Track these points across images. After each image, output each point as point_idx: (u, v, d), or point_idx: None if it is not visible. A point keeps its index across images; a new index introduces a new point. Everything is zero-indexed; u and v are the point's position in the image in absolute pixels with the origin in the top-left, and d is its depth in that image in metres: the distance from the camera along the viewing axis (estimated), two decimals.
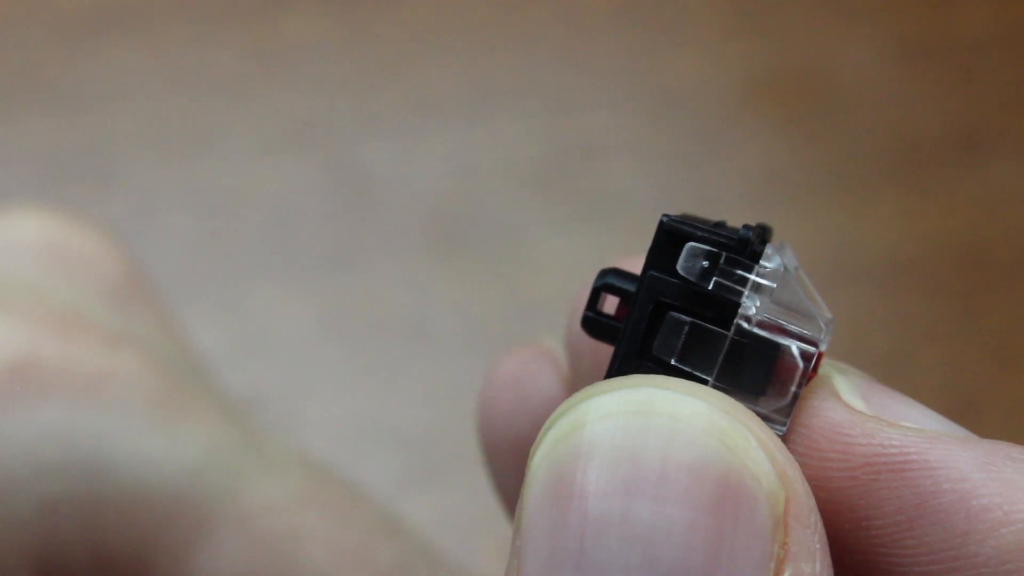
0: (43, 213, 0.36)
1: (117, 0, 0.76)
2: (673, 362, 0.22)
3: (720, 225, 0.22)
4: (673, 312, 0.22)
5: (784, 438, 0.22)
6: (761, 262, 0.22)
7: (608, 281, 0.23)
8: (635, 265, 0.23)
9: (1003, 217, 0.73)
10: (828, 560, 0.19)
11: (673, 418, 0.19)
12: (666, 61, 0.77)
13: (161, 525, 0.30)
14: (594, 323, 0.23)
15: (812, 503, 0.19)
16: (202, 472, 0.30)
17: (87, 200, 0.70)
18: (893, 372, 0.68)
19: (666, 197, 0.71)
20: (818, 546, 0.19)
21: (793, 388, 0.22)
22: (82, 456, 0.29)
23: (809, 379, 0.22)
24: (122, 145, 0.72)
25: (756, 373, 0.21)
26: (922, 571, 0.20)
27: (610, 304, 0.24)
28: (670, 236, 0.22)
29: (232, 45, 0.76)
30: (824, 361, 0.23)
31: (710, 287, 0.22)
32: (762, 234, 0.22)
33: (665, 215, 0.22)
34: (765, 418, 0.21)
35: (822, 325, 0.22)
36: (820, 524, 0.19)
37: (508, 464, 0.28)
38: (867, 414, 0.21)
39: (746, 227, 0.22)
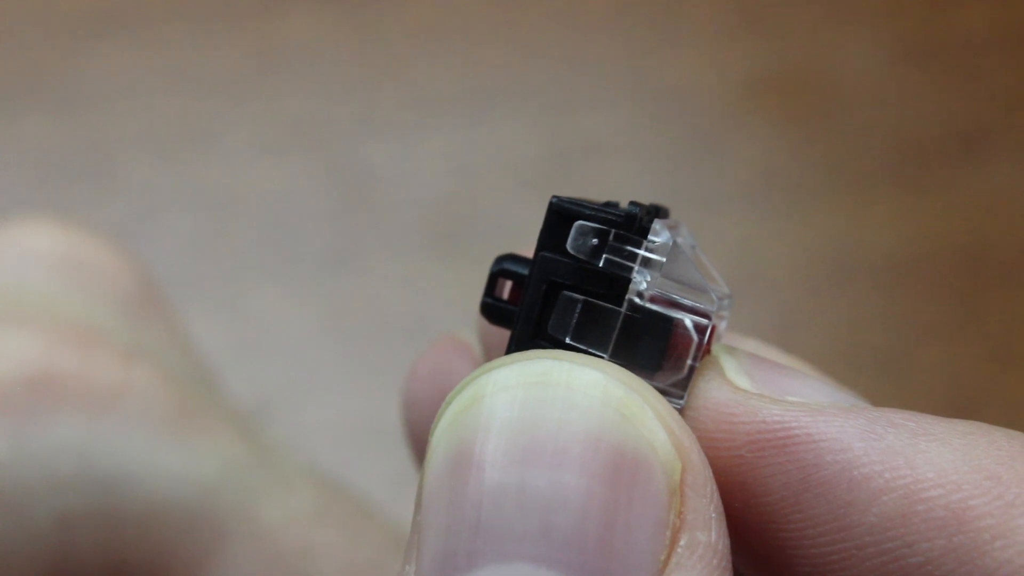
0: (54, 223, 0.35)
1: (117, 0, 0.76)
2: (568, 340, 0.22)
3: (611, 205, 0.22)
4: (566, 291, 0.22)
5: (682, 411, 0.21)
6: (650, 237, 0.22)
7: (504, 267, 0.23)
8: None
9: (1003, 217, 0.73)
10: (724, 529, 0.19)
11: (570, 388, 0.19)
12: (666, 61, 0.77)
13: (176, 540, 0.30)
14: (492, 309, 0.23)
15: (709, 473, 0.19)
16: (217, 488, 0.30)
17: (87, 200, 0.70)
18: (893, 372, 0.68)
19: (666, 197, 0.71)
20: (714, 515, 0.19)
21: (689, 361, 0.21)
22: (98, 470, 0.29)
23: (704, 355, 0.22)
24: (122, 145, 0.72)
25: (651, 348, 0.22)
26: (811, 544, 0.20)
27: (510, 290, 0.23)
28: (560, 217, 0.22)
29: (232, 45, 0.75)
30: (715, 343, 0.22)
31: (601, 264, 0.22)
32: (652, 211, 0.22)
33: (555, 196, 0.22)
34: (663, 392, 0.21)
35: (715, 298, 0.22)
36: (717, 494, 0.19)
37: None
38: (751, 392, 0.21)
39: (633, 203, 0.22)
